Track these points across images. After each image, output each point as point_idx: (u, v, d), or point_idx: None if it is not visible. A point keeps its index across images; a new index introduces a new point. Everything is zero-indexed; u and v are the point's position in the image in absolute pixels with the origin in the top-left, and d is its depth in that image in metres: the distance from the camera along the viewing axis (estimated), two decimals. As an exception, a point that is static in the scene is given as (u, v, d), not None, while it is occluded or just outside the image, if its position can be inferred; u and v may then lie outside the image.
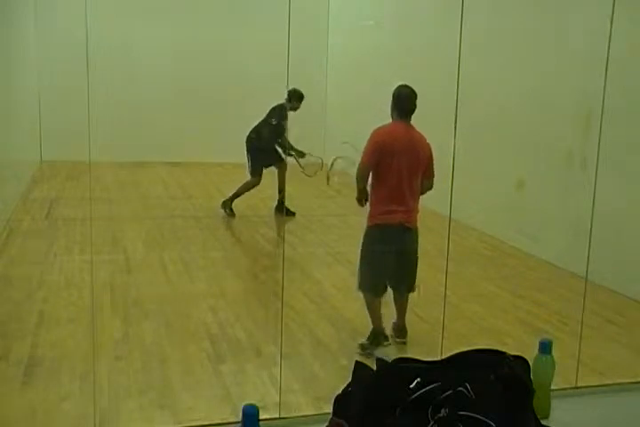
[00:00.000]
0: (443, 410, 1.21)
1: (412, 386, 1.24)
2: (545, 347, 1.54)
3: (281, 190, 7.67)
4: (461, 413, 1.20)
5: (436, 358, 1.34)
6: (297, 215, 7.57)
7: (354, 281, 5.55)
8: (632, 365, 3.89)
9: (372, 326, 4.11)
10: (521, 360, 1.36)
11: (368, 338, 4.06)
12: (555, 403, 1.54)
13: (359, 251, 4.11)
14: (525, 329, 4.54)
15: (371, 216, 4.05)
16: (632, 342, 4.43)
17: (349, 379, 1.32)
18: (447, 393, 1.22)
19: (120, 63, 10.13)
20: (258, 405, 1.22)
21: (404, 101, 4.08)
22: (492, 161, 6.97)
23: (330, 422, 1.30)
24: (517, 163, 6.61)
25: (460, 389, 1.22)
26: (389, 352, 3.99)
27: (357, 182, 4.06)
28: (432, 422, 1.20)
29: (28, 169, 9.32)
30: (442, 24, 6.55)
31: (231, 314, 4.65)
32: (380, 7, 9.99)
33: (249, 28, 10.38)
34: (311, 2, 10.65)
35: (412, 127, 4.09)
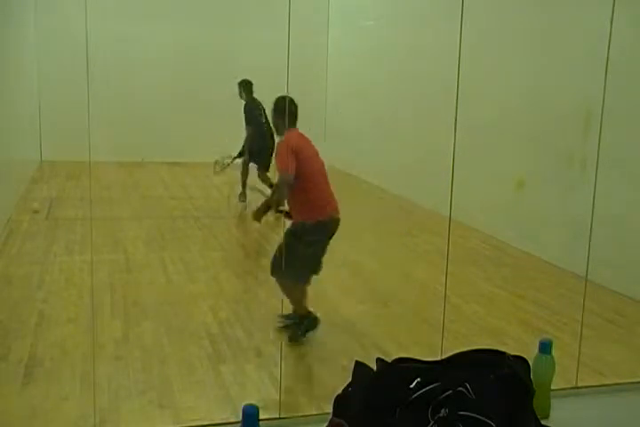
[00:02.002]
0: (443, 410, 1.21)
1: (412, 386, 1.24)
2: (545, 347, 1.54)
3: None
4: (461, 413, 1.20)
5: (436, 358, 1.34)
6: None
7: (354, 281, 5.56)
8: (632, 365, 3.89)
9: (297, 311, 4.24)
10: (521, 360, 1.36)
11: (298, 325, 4.19)
12: (555, 403, 1.54)
13: (288, 244, 4.14)
14: (525, 329, 4.54)
15: (308, 213, 4.19)
16: (632, 342, 4.43)
17: (349, 379, 1.32)
18: (447, 393, 1.22)
19: (120, 63, 10.14)
20: (258, 405, 1.22)
21: (291, 110, 4.34)
22: (492, 161, 6.97)
23: (330, 423, 1.30)
24: (517, 163, 6.61)
25: (460, 389, 1.22)
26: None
27: (279, 192, 4.23)
28: (432, 422, 1.20)
29: (28, 169, 9.33)
30: (442, 24, 6.55)
31: (231, 314, 4.65)
32: (380, 7, 9.99)
33: (249, 27, 10.38)
34: (311, 2, 10.65)
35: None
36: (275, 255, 4.25)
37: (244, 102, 8.03)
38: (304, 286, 4.27)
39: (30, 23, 9.72)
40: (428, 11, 8.21)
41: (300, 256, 4.16)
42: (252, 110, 7.93)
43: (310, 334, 4.18)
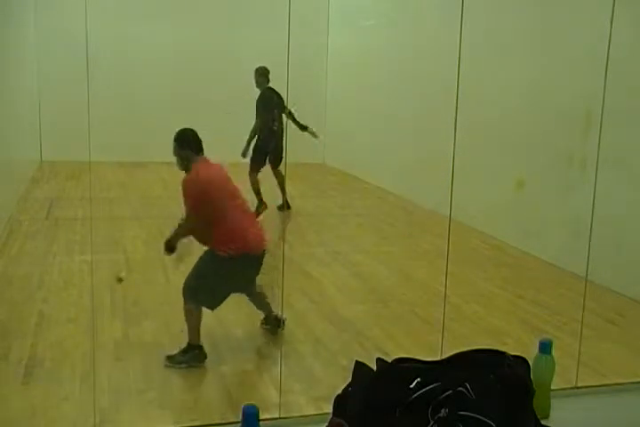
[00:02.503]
0: (443, 410, 1.21)
1: (412, 386, 1.24)
2: (545, 347, 1.54)
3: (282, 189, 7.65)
4: (461, 413, 1.20)
5: (436, 358, 1.34)
6: (297, 215, 7.56)
7: (354, 281, 5.56)
8: (632, 365, 3.89)
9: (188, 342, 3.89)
10: (521, 360, 1.36)
11: (185, 351, 3.85)
12: (555, 403, 1.54)
13: (200, 267, 3.98)
14: (525, 329, 4.54)
15: (224, 246, 3.91)
16: (632, 342, 4.43)
17: (349, 379, 1.32)
18: (447, 393, 1.22)
19: (120, 63, 10.14)
20: (258, 405, 1.22)
21: (196, 139, 4.16)
22: (492, 161, 6.97)
23: (330, 423, 1.30)
24: (517, 163, 6.62)
25: (460, 389, 1.22)
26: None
27: (178, 235, 3.99)
28: (432, 422, 1.21)
29: (28, 169, 9.33)
30: (442, 24, 6.56)
31: (231, 314, 4.65)
32: (380, 7, 9.99)
33: (249, 28, 10.38)
34: (311, 2, 10.65)
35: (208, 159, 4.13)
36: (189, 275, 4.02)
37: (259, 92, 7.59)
38: (200, 312, 3.93)
39: (30, 23, 9.72)
40: (428, 10, 8.21)
41: (209, 282, 3.95)
42: (265, 101, 7.48)
43: (193, 364, 3.82)
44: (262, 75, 7.60)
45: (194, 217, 3.88)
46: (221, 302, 3.97)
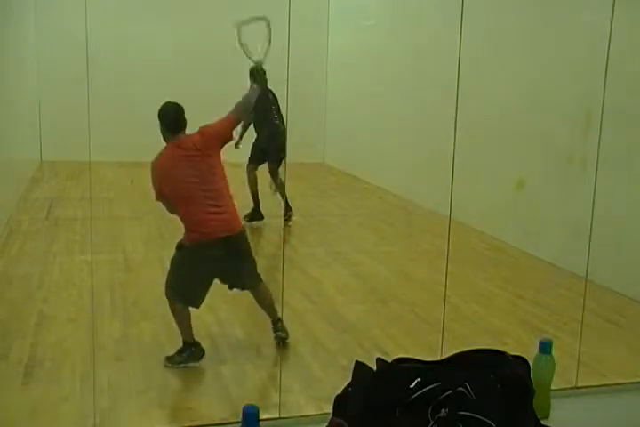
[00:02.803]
0: (443, 410, 1.21)
1: (412, 386, 1.24)
2: (545, 347, 1.54)
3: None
4: (461, 413, 1.20)
5: (436, 358, 1.34)
6: (297, 215, 7.53)
7: (354, 281, 5.56)
8: (632, 365, 3.89)
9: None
10: (521, 360, 1.36)
11: (182, 350, 3.83)
12: (555, 403, 1.54)
13: (172, 261, 3.99)
14: (525, 329, 4.54)
15: (186, 235, 3.90)
16: (632, 342, 4.42)
17: (349, 379, 1.32)
18: (447, 393, 1.22)
19: (120, 63, 10.14)
20: (258, 405, 1.22)
21: (173, 117, 4.05)
22: (492, 161, 6.97)
23: (330, 423, 1.30)
24: (517, 163, 6.61)
25: (460, 389, 1.22)
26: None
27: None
28: (432, 423, 1.21)
29: (28, 169, 9.33)
30: (442, 24, 6.56)
31: (231, 314, 4.65)
32: (380, 7, 9.99)
33: (249, 27, 10.36)
34: (311, 2, 10.65)
35: (186, 137, 4.01)
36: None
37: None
38: (186, 308, 3.91)
39: (30, 23, 9.72)
40: (428, 10, 8.21)
41: (181, 275, 3.92)
42: (261, 99, 7.24)
43: (190, 365, 3.80)
44: (258, 75, 7.39)
45: (161, 201, 3.91)
46: (200, 294, 3.88)
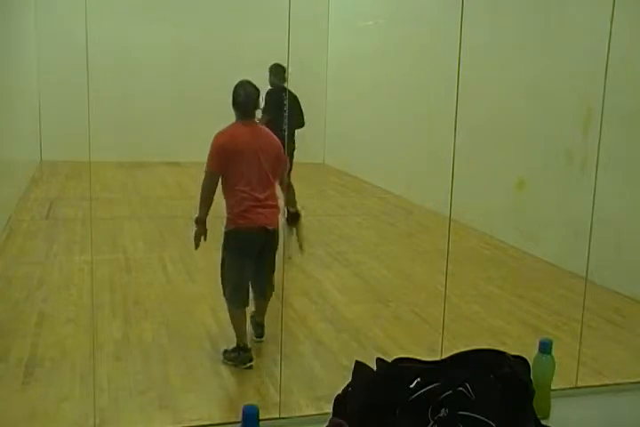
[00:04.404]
0: (443, 410, 1.21)
1: (412, 386, 1.24)
2: (545, 347, 1.54)
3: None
4: (461, 413, 1.20)
5: (436, 358, 1.34)
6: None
7: (354, 281, 5.56)
8: (632, 365, 3.89)
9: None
10: (521, 360, 1.36)
11: (233, 350, 3.85)
12: (555, 403, 1.54)
13: (220, 258, 3.91)
14: (525, 329, 4.54)
15: (228, 220, 3.83)
16: (632, 342, 4.43)
17: (349, 379, 1.32)
18: (447, 393, 1.22)
19: (120, 63, 10.14)
20: (258, 405, 1.22)
21: (247, 101, 3.84)
22: (493, 161, 6.97)
23: (330, 423, 1.30)
24: (517, 163, 6.62)
25: (460, 389, 1.22)
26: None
27: (201, 200, 3.82)
28: (432, 423, 1.21)
29: (28, 169, 9.33)
30: (442, 24, 6.55)
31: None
32: (380, 7, 9.99)
33: (249, 27, 10.38)
34: (311, 2, 10.65)
35: (257, 127, 3.96)
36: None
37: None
38: (241, 311, 3.88)
39: (30, 23, 9.72)
40: (428, 11, 8.21)
41: (225, 272, 3.89)
42: (273, 97, 6.83)
43: (237, 365, 3.79)
44: (276, 72, 7.24)
45: (209, 173, 3.80)
46: (241, 291, 3.85)
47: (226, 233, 3.85)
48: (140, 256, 5.99)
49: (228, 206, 3.82)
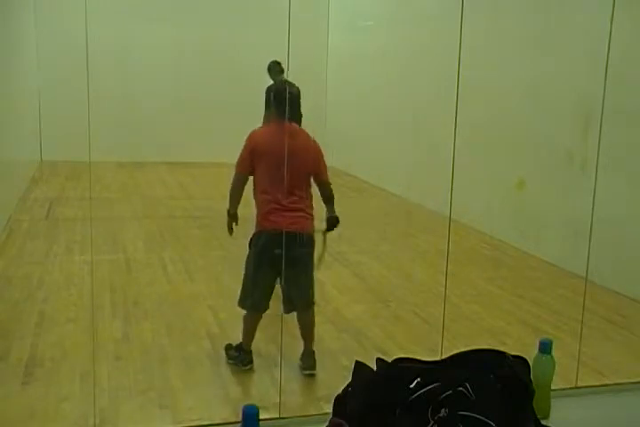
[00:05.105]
0: (443, 410, 1.21)
1: (412, 386, 1.24)
2: (545, 347, 1.54)
3: None
4: (461, 413, 1.20)
5: (436, 358, 1.34)
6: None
7: (354, 281, 5.56)
8: (632, 365, 3.89)
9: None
10: (521, 360, 1.36)
11: (236, 348, 3.84)
12: (555, 403, 1.54)
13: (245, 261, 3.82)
14: (525, 329, 4.54)
15: (256, 222, 3.73)
16: (632, 342, 4.43)
17: (349, 379, 1.32)
18: (447, 393, 1.22)
19: (120, 63, 10.15)
20: (258, 405, 1.22)
21: (280, 100, 3.75)
22: (492, 161, 6.97)
23: (330, 423, 1.30)
24: (517, 163, 6.62)
25: (460, 389, 1.22)
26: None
27: (230, 197, 3.79)
28: (432, 423, 1.20)
29: (28, 169, 9.33)
30: (442, 24, 6.55)
31: (231, 314, 4.64)
32: (379, 7, 9.99)
33: (249, 28, 10.39)
34: (311, 2, 10.66)
35: (293, 128, 3.79)
36: None
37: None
38: (250, 315, 3.80)
39: (30, 23, 9.73)
40: (428, 11, 8.21)
41: (245, 274, 3.80)
42: (275, 93, 6.98)
43: (238, 365, 3.77)
44: (271, 70, 7.27)
45: (239, 172, 3.73)
46: (252, 294, 3.74)
47: (253, 235, 3.75)
48: (140, 256, 5.99)
49: (256, 208, 3.74)
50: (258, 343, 4.15)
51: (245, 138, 3.76)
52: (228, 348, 3.89)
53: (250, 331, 3.83)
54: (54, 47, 9.91)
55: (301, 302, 3.86)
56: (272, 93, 3.86)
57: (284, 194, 3.66)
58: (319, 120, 10.78)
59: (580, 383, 2.10)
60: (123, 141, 9.83)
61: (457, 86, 3.90)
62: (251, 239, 3.77)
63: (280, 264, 3.56)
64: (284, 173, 3.60)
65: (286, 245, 3.51)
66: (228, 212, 3.87)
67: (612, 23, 3.53)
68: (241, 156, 3.76)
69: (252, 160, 3.68)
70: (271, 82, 7.11)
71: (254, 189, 3.74)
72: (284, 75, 7.02)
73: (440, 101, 6.23)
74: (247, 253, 3.80)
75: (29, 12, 9.60)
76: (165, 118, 10.35)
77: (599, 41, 3.80)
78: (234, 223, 3.85)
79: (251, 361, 3.81)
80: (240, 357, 3.80)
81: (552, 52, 6.08)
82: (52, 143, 10.18)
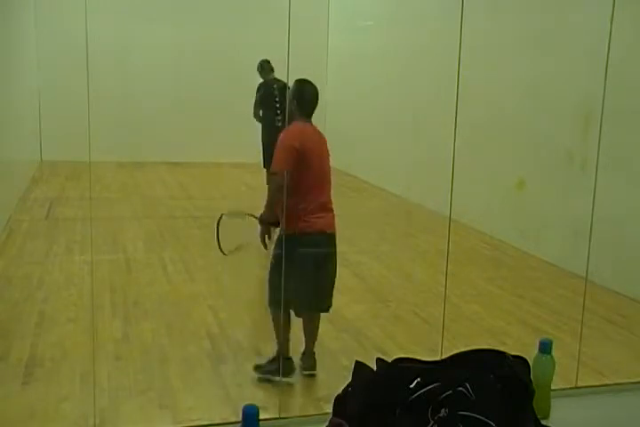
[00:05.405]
0: (443, 410, 1.21)
1: (412, 386, 1.24)
2: (545, 347, 1.54)
3: None
4: (461, 413, 1.20)
5: (436, 358, 1.34)
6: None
7: (354, 281, 5.56)
8: (632, 365, 3.89)
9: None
10: (521, 360, 1.36)
11: (272, 361, 3.67)
12: (555, 403, 1.54)
13: (271, 261, 3.72)
14: (525, 329, 4.54)
15: (291, 223, 3.56)
16: (632, 342, 4.43)
17: (349, 379, 1.32)
18: (447, 393, 1.22)
19: (120, 63, 10.15)
20: (258, 405, 1.22)
21: (309, 100, 3.73)
22: (492, 161, 6.97)
23: (330, 423, 1.30)
24: (517, 163, 6.62)
25: (460, 389, 1.22)
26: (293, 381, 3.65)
27: (270, 201, 3.60)
28: (432, 423, 1.20)
29: (28, 169, 9.33)
30: (442, 24, 6.55)
31: (231, 314, 4.65)
32: (379, 7, 9.99)
33: (249, 28, 10.39)
34: (311, 2, 10.65)
35: (315, 127, 3.77)
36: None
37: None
38: (278, 316, 3.65)
39: (30, 23, 9.73)
40: (428, 11, 8.21)
41: (273, 275, 3.69)
42: (263, 94, 6.95)
43: (275, 379, 3.61)
44: (261, 68, 7.31)
45: (281, 172, 3.51)
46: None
47: (285, 236, 3.57)
48: (139, 256, 5.99)
49: (289, 208, 3.52)
50: (258, 343, 4.16)
51: (282, 138, 3.60)
52: (260, 367, 3.67)
53: (284, 333, 3.66)
54: (54, 47, 9.91)
55: (320, 303, 3.80)
56: (295, 93, 3.78)
57: (320, 194, 3.67)
58: (319, 120, 10.78)
59: (580, 383, 2.10)
60: (123, 141, 9.83)
61: (457, 86, 3.90)
62: (285, 241, 3.57)
63: (330, 263, 3.68)
64: (320, 171, 3.63)
65: (326, 245, 3.65)
66: (262, 220, 3.63)
67: (612, 23, 3.53)
68: (284, 156, 3.53)
69: (298, 160, 3.51)
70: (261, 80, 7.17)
71: (294, 189, 3.50)
72: (274, 73, 7.06)
73: (440, 101, 6.23)
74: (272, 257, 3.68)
75: (29, 11, 9.60)
76: (165, 118, 10.35)
77: (599, 41, 3.81)
78: (267, 236, 3.65)
79: (293, 369, 3.63)
80: (282, 367, 3.56)
81: (552, 51, 6.08)
82: (52, 143, 10.18)
